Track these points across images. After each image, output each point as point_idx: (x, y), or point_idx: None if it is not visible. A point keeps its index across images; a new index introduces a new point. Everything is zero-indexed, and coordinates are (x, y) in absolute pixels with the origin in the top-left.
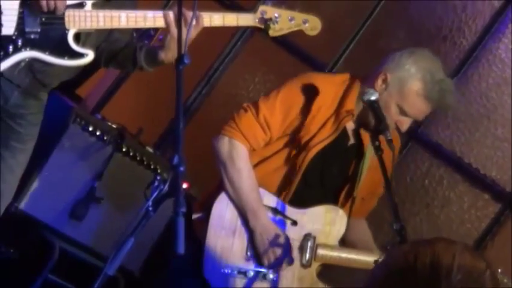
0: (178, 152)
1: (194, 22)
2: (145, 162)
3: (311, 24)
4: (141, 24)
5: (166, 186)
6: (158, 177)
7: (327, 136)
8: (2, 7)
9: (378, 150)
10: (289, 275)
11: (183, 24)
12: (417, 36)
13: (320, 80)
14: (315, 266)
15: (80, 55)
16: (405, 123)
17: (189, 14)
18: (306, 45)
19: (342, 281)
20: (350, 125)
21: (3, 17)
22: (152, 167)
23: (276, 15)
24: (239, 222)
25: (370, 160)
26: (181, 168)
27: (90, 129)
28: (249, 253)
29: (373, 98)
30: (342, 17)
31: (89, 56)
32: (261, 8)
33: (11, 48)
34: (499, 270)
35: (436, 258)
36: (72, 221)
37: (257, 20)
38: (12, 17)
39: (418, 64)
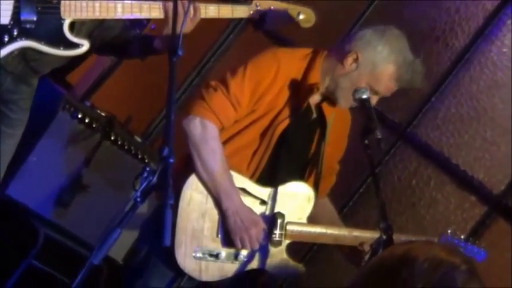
0: (169, 143)
1: (192, 13)
2: (133, 152)
3: (305, 17)
4: (137, 14)
5: (155, 178)
6: (147, 168)
7: (293, 110)
8: None
9: (367, 148)
10: (261, 253)
11: (179, 15)
12: (410, 36)
13: (283, 54)
14: (285, 243)
15: (76, 45)
16: (373, 100)
17: (185, 4)
18: (299, 40)
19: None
20: (313, 99)
21: None
22: (140, 156)
23: (271, 7)
24: (209, 204)
25: (330, 135)
26: (171, 160)
27: (79, 116)
28: (220, 235)
29: (364, 96)
30: (335, 15)
31: (84, 46)
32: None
33: (6, 37)
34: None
35: (408, 250)
36: (58, 208)
37: (252, 12)
38: (7, 6)
39: (391, 46)
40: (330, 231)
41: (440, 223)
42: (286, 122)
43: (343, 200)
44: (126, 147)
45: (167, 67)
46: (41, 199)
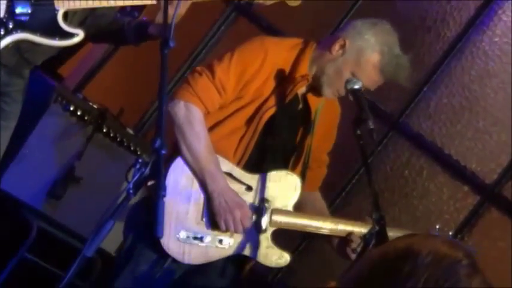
0: (161, 135)
1: None
2: (125, 144)
3: None
4: (129, 2)
5: (147, 169)
6: (140, 160)
7: (280, 99)
8: None
9: (359, 138)
10: (245, 239)
11: (172, 3)
12: (401, 26)
13: (271, 43)
14: (270, 230)
15: (71, 35)
16: None
17: None
18: (290, 32)
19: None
20: (300, 89)
21: None
22: (132, 148)
23: None
24: (195, 187)
25: (317, 127)
26: (163, 152)
27: (71, 108)
28: (204, 218)
29: (356, 86)
30: (325, 6)
31: (80, 35)
32: None
33: (2, 31)
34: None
35: (411, 243)
36: (50, 200)
37: None
38: (1, 0)
39: (378, 36)
40: (315, 220)
41: (433, 213)
42: (272, 111)
43: (335, 191)
44: (118, 140)
45: (159, 59)
46: (34, 191)
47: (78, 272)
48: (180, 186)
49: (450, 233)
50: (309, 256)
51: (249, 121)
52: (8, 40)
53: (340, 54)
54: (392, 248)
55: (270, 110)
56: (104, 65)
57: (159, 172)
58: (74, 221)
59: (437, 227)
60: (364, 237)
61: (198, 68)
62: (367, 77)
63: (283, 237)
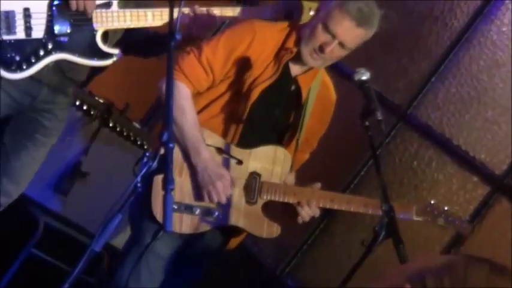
0: (168, 128)
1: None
2: (132, 138)
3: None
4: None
5: (155, 163)
6: (147, 154)
7: (270, 76)
8: (31, 10)
9: (367, 130)
10: (236, 211)
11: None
12: (408, 16)
13: (260, 25)
14: (261, 203)
15: (109, 55)
16: (329, 44)
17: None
18: None
19: None
20: (294, 70)
21: (32, 21)
22: (139, 142)
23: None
24: (185, 161)
25: (311, 109)
26: (171, 145)
27: (77, 103)
28: (194, 190)
29: (364, 77)
30: None
31: (117, 55)
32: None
33: (41, 51)
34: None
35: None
36: (57, 196)
37: None
38: (41, 20)
39: None
40: (304, 193)
41: (442, 204)
42: (263, 86)
43: (344, 183)
44: (124, 134)
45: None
46: (40, 187)
47: (85, 267)
48: (174, 159)
49: (446, 208)
50: (318, 249)
51: (239, 99)
52: (47, 61)
53: (313, 15)
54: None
55: (260, 86)
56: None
57: (167, 165)
58: (81, 217)
59: (432, 202)
60: (374, 229)
61: (187, 48)
62: (337, 24)
63: (289, 232)
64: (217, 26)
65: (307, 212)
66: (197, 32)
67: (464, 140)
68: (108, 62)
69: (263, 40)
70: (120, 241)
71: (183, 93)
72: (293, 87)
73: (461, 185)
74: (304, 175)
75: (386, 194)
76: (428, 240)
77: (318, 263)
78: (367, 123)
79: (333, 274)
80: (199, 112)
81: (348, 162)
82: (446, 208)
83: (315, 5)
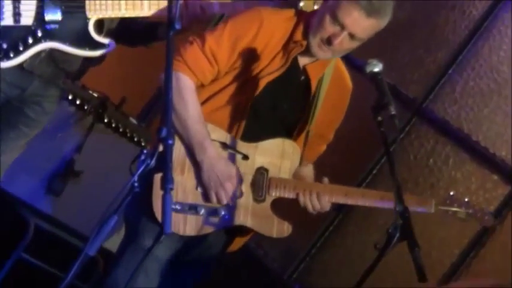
0: (167, 123)
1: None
2: (128, 135)
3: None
4: (164, 11)
5: (153, 161)
6: (145, 151)
7: (277, 68)
8: None
9: (380, 125)
10: (243, 210)
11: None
12: (423, 3)
13: (267, 13)
14: (269, 200)
15: (102, 45)
16: (338, 36)
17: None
18: None
19: None
20: (303, 61)
21: (21, 6)
22: (136, 139)
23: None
24: (188, 158)
25: (324, 101)
26: (170, 142)
27: (70, 97)
28: (199, 189)
29: (376, 69)
30: None
31: (111, 46)
32: None
33: (30, 39)
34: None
35: None
36: (48, 197)
37: None
38: (31, 6)
39: None
40: (315, 188)
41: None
42: (270, 78)
43: (355, 182)
44: (120, 130)
45: (161, 45)
46: (31, 187)
47: (79, 272)
48: (174, 157)
49: (466, 199)
50: (328, 252)
51: (245, 91)
52: (36, 49)
53: (321, 4)
54: None
55: (266, 78)
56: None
57: (165, 164)
58: (74, 218)
59: (451, 193)
60: (388, 231)
61: (190, 37)
62: (347, 14)
63: (297, 233)
64: (209, 19)
65: (313, 203)
66: (186, 23)
67: (483, 136)
68: (101, 52)
69: (270, 29)
70: (114, 243)
71: (186, 85)
72: (302, 78)
73: (480, 184)
74: (315, 174)
75: (401, 193)
76: (445, 241)
77: (328, 267)
78: (379, 118)
79: (344, 279)
80: (201, 105)
81: (359, 160)
82: (466, 199)
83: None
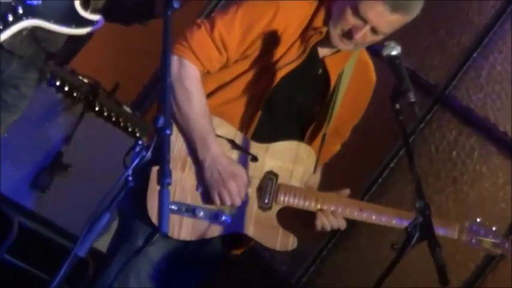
0: (165, 112)
1: None
2: (121, 124)
3: None
4: None
5: (149, 153)
6: (140, 142)
7: (295, 58)
8: None
9: (398, 114)
10: (245, 217)
11: None
12: None
13: None
14: (276, 209)
15: (89, 22)
16: (360, 29)
17: None
18: None
19: None
20: (323, 52)
21: None
22: (130, 129)
23: None
24: (189, 154)
25: (343, 95)
26: (168, 132)
27: (58, 83)
28: (199, 189)
29: (394, 52)
30: None
31: (99, 23)
32: None
33: (10, 17)
34: None
35: None
36: (34, 192)
37: None
38: None
39: None
40: (328, 200)
41: (486, 201)
42: (286, 70)
43: (371, 177)
44: (113, 119)
45: (159, 24)
46: (15, 182)
47: (68, 275)
48: (174, 152)
49: (494, 228)
50: (340, 254)
51: (257, 83)
52: (17, 28)
53: None
54: None
55: (282, 70)
56: (94, 32)
57: (162, 156)
58: (62, 216)
59: (478, 220)
60: (406, 230)
61: (199, 20)
62: (370, 8)
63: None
64: None
65: (331, 222)
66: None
67: (511, 126)
68: (88, 30)
69: (288, 14)
70: (104, 243)
71: (190, 73)
72: (320, 71)
73: (507, 178)
74: (324, 170)
75: (421, 189)
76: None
77: (340, 271)
78: (397, 106)
79: (357, 283)
80: (207, 96)
81: (375, 152)
82: (494, 228)
83: None
